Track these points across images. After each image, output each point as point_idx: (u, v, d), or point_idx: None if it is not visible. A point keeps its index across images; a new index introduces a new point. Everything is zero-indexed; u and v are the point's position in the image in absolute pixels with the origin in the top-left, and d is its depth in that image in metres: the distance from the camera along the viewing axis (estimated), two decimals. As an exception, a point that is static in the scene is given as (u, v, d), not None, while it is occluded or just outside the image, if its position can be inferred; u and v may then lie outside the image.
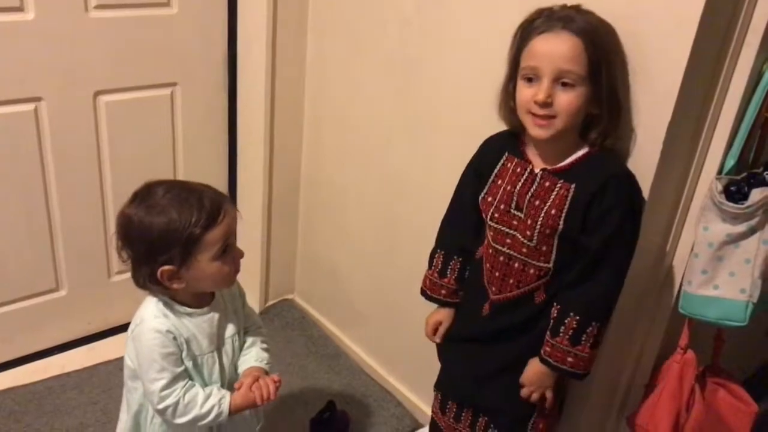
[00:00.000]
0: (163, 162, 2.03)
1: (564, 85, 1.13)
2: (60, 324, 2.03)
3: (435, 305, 1.45)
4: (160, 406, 1.17)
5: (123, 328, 2.03)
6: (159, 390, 1.16)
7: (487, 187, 1.30)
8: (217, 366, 1.25)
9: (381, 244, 1.93)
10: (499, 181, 1.28)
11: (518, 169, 1.25)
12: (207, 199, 1.14)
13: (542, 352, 1.26)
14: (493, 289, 1.30)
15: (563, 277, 1.24)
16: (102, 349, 2.04)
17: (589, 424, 1.48)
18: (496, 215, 1.27)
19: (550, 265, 1.23)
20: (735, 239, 1.22)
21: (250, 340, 1.33)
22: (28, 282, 1.93)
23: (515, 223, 1.25)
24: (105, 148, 1.89)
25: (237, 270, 1.21)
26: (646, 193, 1.22)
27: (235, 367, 1.31)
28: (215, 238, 1.14)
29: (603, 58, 1.13)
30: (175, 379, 1.17)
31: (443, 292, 1.41)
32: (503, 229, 1.27)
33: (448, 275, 1.39)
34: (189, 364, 1.21)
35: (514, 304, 1.29)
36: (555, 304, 1.24)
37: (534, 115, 1.15)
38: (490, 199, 1.29)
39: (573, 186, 1.19)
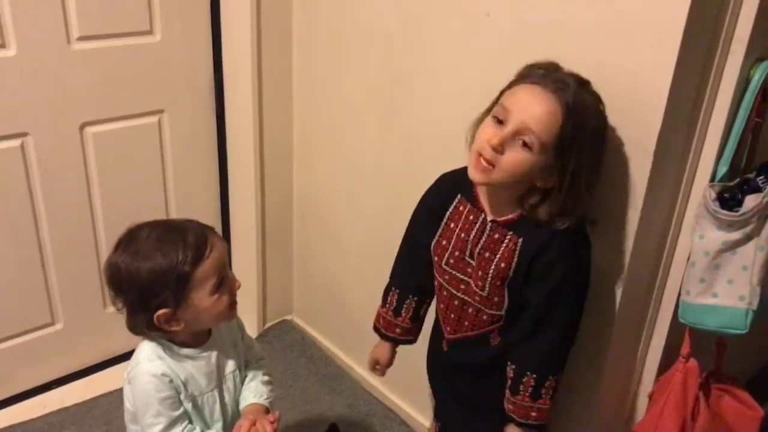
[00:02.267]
0: (154, 189, 2.01)
1: (523, 145, 1.07)
2: (57, 358, 2.01)
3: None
4: None
5: (121, 358, 2.05)
6: None
7: (440, 230, 1.28)
8: (218, 405, 1.24)
9: (377, 260, 1.91)
10: (452, 224, 1.26)
11: (471, 216, 1.23)
12: (191, 235, 1.12)
13: (506, 409, 1.24)
14: (448, 329, 1.31)
15: (514, 329, 1.23)
16: (101, 381, 2.01)
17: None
18: (451, 261, 1.26)
19: (503, 312, 1.23)
20: (731, 246, 1.21)
21: (251, 373, 1.31)
22: (23, 317, 1.91)
23: (469, 270, 1.24)
24: (94, 179, 1.88)
25: (234, 301, 1.19)
26: (639, 205, 1.21)
27: (237, 403, 1.29)
28: (206, 273, 1.12)
29: (577, 141, 1.07)
30: (172, 424, 1.16)
31: (398, 330, 1.40)
32: (458, 275, 1.26)
33: (403, 314, 1.39)
34: (188, 405, 1.19)
35: (470, 343, 1.28)
36: (509, 362, 1.23)
37: (479, 155, 1.10)
38: (444, 242, 1.27)
39: (521, 240, 1.16)
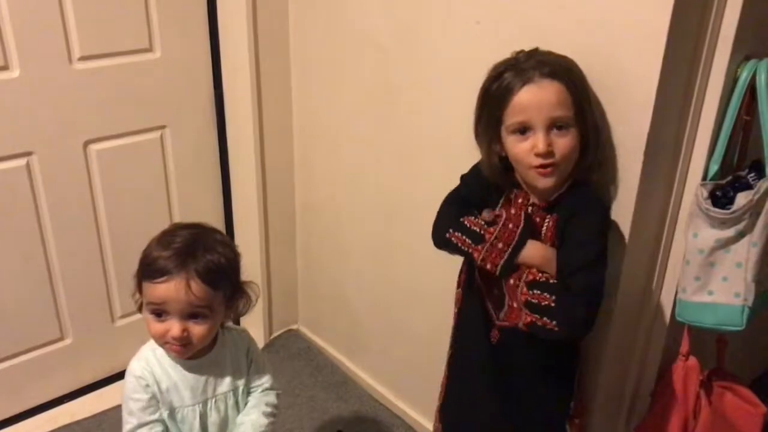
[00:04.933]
0: (158, 204, 2.04)
1: (558, 129, 1.12)
2: (67, 372, 2.04)
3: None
4: None
5: (129, 372, 2.06)
6: None
7: (498, 209, 1.28)
8: (197, 422, 1.23)
9: (380, 267, 1.94)
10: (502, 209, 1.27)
11: (520, 200, 1.25)
12: (175, 255, 1.12)
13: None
14: (501, 315, 1.29)
15: None
16: (110, 395, 2.03)
17: (598, 438, 1.47)
18: None
19: None
20: (725, 244, 1.21)
21: (253, 401, 1.29)
22: (33, 333, 1.94)
23: None
24: (99, 195, 1.91)
25: (167, 342, 1.15)
26: (631, 205, 1.23)
27: (227, 425, 1.27)
28: (147, 291, 1.13)
29: (583, 95, 1.14)
30: (141, 426, 1.17)
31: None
32: None
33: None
34: (165, 414, 1.20)
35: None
36: None
37: (536, 167, 1.14)
38: None
39: (555, 215, 1.20)
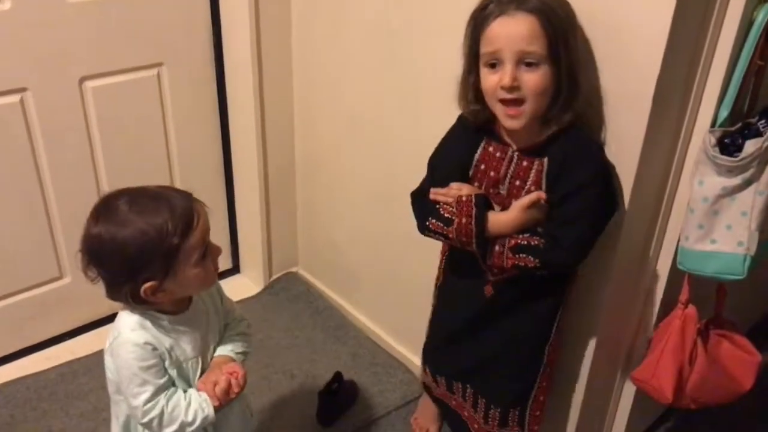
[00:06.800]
0: (156, 143, 2.01)
1: (528, 65, 1.10)
2: (67, 311, 2.04)
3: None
4: (145, 420, 1.13)
5: (128, 311, 2.07)
6: (142, 404, 1.12)
7: (471, 173, 1.29)
8: (200, 370, 1.22)
9: (377, 212, 1.93)
10: (482, 166, 1.27)
11: (498, 154, 1.25)
12: (178, 205, 1.08)
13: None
14: (495, 270, 1.29)
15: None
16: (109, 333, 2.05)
17: (595, 383, 1.49)
18: None
19: None
20: (730, 192, 1.20)
21: (227, 333, 1.29)
22: (32, 272, 1.94)
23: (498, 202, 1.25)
24: (95, 132, 1.88)
25: (217, 268, 1.17)
26: (638, 149, 1.20)
27: None
28: (194, 243, 1.09)
29: (561, 35, 1.11)
30: (157, 392, 1.13)
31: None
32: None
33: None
34: (173, 372, 1.17)
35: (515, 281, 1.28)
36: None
37: (504, 104, 1.14)
38: (476, 184, 1.28)
39: (545, 160, 1.19)
